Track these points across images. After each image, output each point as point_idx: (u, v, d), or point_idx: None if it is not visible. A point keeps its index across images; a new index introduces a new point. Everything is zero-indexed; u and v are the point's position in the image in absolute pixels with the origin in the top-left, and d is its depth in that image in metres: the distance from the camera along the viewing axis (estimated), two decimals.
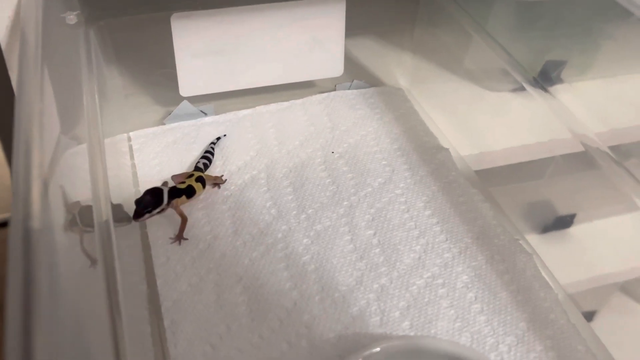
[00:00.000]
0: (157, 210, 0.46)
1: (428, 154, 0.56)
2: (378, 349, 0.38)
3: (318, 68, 0.61)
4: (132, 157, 0.56)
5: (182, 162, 0.55)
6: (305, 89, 0.63)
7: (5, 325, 0.22)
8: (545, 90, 0.54)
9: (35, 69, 0.34)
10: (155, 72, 0.57)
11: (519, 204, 0.61)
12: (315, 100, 0.62)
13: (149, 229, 0.49)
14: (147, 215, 0.46)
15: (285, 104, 0.62)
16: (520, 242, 0.50)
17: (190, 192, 0.49)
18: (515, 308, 0.44)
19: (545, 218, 0.61)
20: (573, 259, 0.59)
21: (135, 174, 0.54)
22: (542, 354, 0.42)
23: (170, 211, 0.49)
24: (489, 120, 0.60)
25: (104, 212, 0.38)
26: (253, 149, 0.57)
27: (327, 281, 0.45)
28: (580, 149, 0.50)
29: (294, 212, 0.50)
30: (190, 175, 0.50)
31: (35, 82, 0.33)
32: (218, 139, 0.57)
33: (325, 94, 0.63)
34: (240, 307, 0.44)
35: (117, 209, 0.42)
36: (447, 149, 0.57)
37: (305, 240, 0.48)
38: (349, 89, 0.64)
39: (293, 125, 0.59)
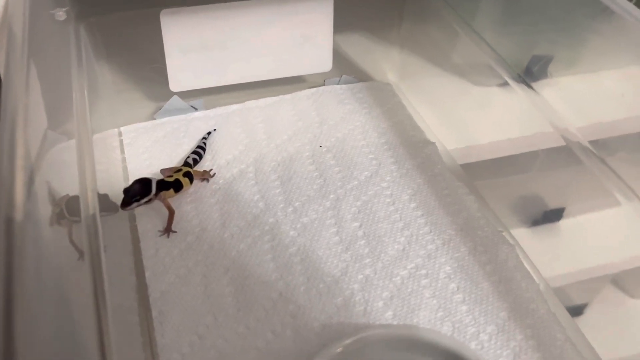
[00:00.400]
0: (145, 199, 0.47)
1: (414, 148, 0.57)
2: (357, 337, 0.39)
3: (307, 63, 0.62)
4: (122, 151, 0.56)
5: (172, 156, 0.56)
6: (294, 84, 0.64)
7: None
8: (529, 86, 0.55)
9: (21, 64, 0.35)
10: (145, 67, 0.57)
11: (506, 197, 0.62)
12: (303, 95, 0.63)
13: (138, 222, 0.50)
14: (134, 204, 0.46)
15: (274, 99, 0.63)
16: (504, 233, 0.51)
17: (178, 186, 0.50)
18: (497, 298, 0.45)
19: (535, 212, 0.62)
20: (563, 253, 0.60)
21: (125, 168, 0.55)
22: (522, 342, 0.43)
23: (159, 204, 0.50)
24: (475, 114, 0.61)
25: (91, 204, 0.39)
26: (242, 144, 0.57)
27: (313, 272, 0.46)
28: (562, 143, 0.51)
29: (281, 205, 0.51)
30: (179, 170, 0.51)
31: (21, 77, 0.33)
32: (209, 133, 0.57)
33: (314, 89, 0.63)
34: (227, 298, 0.45)
35: (103, 198, 0.43)
36: (433, 143, 0.58)
37: (291, 233, 0.49)
38: (337, 84, 0.64)
39: (282, 120, 0.60)
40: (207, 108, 0.61)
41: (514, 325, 0.44)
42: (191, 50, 0.57)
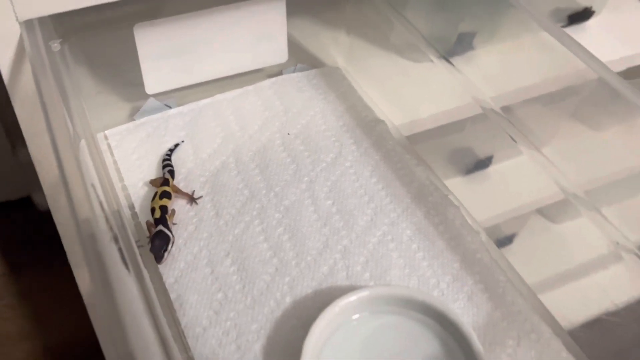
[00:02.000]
0: (171, 245, 0.53)
1: (368, 128, 0.66)
2: (354, 298, 0.49)
3: (265, 57, 0.69)
4: (112, 154, 0.63)
5: (158, 154, 0.63)
6: (254, 74, 0.71)
7: None
8: (451, 63, 0.65)
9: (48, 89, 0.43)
10: (123, 76, 0.64)
11: (444, 153, 0.73)
12: (265, 85, 0.70)
13: (141, 219, 0.57)
14: (166, 254, 0.53)
15: (239, 90, 0.70)
16: (450, 197, 0.61)
17: (165, 210, 0.55)
18: (450, 252, 0.56)
19: (468, 162, 0.74)
20: (494, 193, 0.72)
21: (118, 170, 0.62)
22: (473, 286, 0.54)
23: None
24: (414, 91, 0.70)
25: (114, 199, 0.47)
26: (218, 137, 0.65)
27: (300, 248, 0.56)
28: (480, 111, 0.62)
29: (264, 191, 0.60)
30: (154, 195, 0.57)
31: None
32: (176, 145, 0.63)
33: (274, 79, 0.71)
34: (232, 277, 0.54)
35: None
36: (383, 121, 0.67)
37: (277, 215, 0.58)
38: (293, 72, 0.72)
39: (250, 112, 0.67)
40: (180, 104, 0.68)
41: (465, 273, 0.55)
42: (162, 57, 0.63)
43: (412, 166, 0.63)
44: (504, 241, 0.67)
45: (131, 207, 0.58)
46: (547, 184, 0.58)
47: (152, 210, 0.56)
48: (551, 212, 0.67)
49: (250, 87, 0.70)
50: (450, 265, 0.55)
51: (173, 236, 0.54)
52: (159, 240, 0.53)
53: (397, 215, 0.59)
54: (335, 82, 0.71)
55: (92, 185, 0.46)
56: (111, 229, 0.46)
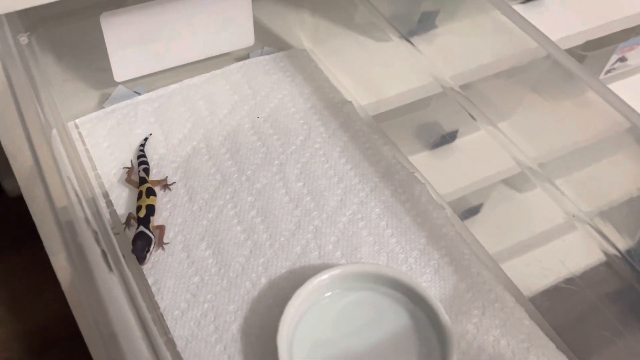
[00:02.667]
0: (153, 246, 0.54)
1: (336, 109, 0.68)
2: (326, 276, 0.51)
3: (232, 41, 0.70)
4: (83, 142, 0.63)
5: (129, 141, 0.63)
6: (222, 59, 0.72)
7: None
8: (411, 43, 0.66)
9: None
10: (91, 64, 0.64)
11: (410, 130, 0.75)
12: (233, 69, 0.71)
13: (116, 206, 0.58)
14: (148, 255, 0.53)
15: (207, 75, 0.71)
16: (415, 174, 0.63)
17: (152, 210, 0.56)
18: (417, 228, 0.59)
19: (434, 137, 0.76)
20: (460, 166, 0.75)
21: (90, 158, 0.62)
22: (439, 260, 0.57)
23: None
24: (379, 71, 0.72)
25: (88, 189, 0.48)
26: (188, 122, 0.66)
27: (273, 229, 0.57)
28: (440, 90, 0.64)
29: (236, 175, 0.61)
30: (140, 194, 0.57)
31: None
32: (146, 139, 0.63)
33: (241, 62, 0.72)
34: (207, 260, 0.55)
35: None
36: (350, 102, 0.69)
37: (249, 198, 0.60)
38: (260, 55, 0.73)
39: (219, 96, 0.68)
40: (149, 91, 0.69)
41: (432, 248, 0.57)
42: (130, 44, 0.64)
43: (380, 146, 0.65)
44: (472, 211, 0.70)
45: (105, 195, 0.59)
46: (505, 158, 0.60)
47: (139, 208, 0.56)
48: (514, 182, 0.70)
49: (218, 72, 0.71)
50: (417, 241, 0.58)
51: (155, 237, 0.55)
52: (140, 242, 0.53)
53: (366, 195, 0.61)
54: (302, 64, 0.73)
55: (67, 174, 0.47)
56: (87, 217, 0.48)
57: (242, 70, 0.71)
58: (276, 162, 0.63)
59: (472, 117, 0.61)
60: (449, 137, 0.76)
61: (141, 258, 0.53)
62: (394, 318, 0.51)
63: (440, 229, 0.59)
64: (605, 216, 0.53)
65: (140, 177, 0.59)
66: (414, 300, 0.51)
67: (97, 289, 0.39)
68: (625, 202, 0.52)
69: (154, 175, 0.61)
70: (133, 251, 0.53)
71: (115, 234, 0.56)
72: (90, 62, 0.66)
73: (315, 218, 0.58)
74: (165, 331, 0.52)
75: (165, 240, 0.56)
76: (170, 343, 0.51)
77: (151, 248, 0.54)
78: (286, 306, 0.49)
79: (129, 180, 0.60)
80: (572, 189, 0.54)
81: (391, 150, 0.65)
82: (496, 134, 0.60)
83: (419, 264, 0.56)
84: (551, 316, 0.55)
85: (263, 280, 0.54)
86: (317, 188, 0.61)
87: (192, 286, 0.54)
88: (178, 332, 0.51)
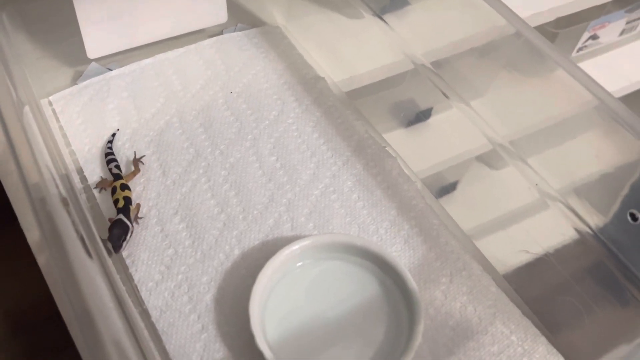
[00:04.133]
0: (129, 235, 0.53)
1: (309, 85, 0.69)
2: (297, 247, 0.52)
3: (205, 17, 0.70)
4: (57, 119, 0.64)
5: (102, 117, 0.64)
6: (196, 35, 0.72)
7: None
8: (383, 20, 0.67)
9: None
10: (63, 41, 0.64)
11: (384, 107, 0.76)
12: (206, 44, 0.72)
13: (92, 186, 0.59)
14: (124, 244, 0.53)
15: (181, 50, 0.71)
16: (387, 148, 0.64)
17: (129, 201, 0.56)
18: (388, 200, 0.60)
19: (408, 115, 0.77)
20: (435, 143, 0.76)
21: (65, 135, 0.62)
22: (409, 230, 0.58)
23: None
24: (352, 48, 0.73)
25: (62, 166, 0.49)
26: (161, 96, 0.66)
27: (246, 203, 0.58)
28: (412, 67, 0.65)
29: (209, 150, 0.62)
30: (114, 189, 0.56)
31: None
32: (113, 135, 0.62)
33: (215, 38, 0.72)
34: (181, 234, 0.56)
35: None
36: (323, 78, 0.70)
37: (223, 172, 0.60)
38: (234, 32, 0.73)
39: (192, 71, 0.69)
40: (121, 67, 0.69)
41: (402, 219, 0.58)
42: (103, 21, 0.64)
43: (352, 121, 0.66)
44: (448, 188, 0.71)
45: (79, 170, 0.60)
46: (478, 136, 0.61)
47: (116, 201, 0.56)
48: (489, 160, 0.71)
49: (191, 47, 0.71)
50: (388, 212, 0.59)
51: (132, 225, 0.55)
52: (117, 229, 0.53)
53: (338, 168, 0.62)
54: (275, 41, 0.73)
55: (39, 150, 0.48)
56: (60, 192, 0.48)
57: (215, 45, 0.72)
58: (249, 136, 0.63)
59: (445, 95, 0.62)
60: (424, 115, 0.77)
61: (117, 247, 0.52)
62: (363, 286, 0.52)
63: (410, 200, 0.60)
64: (577, 193, 0.54)
65: (114, 173, 0.58)
66: (384, 269, 0.53)
67: (70, 263, 0.40)
68: (597, 179, 0.53)
69: (126, 150, 0.61)
70: (109, 238, 0.52)
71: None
72: (63, 39, 0.66)
73: (288, 191, 0.59)
74: (139, 302, 0.52)
75: (139, 215, 0.57)
76: (145, 314, 0.52)
77: (128, 237, 0.53)
78: (258, 276, 0.50)
79: (100, 184, 0.59)
80: (543, 166, 0.56)
81: (363, 125, 0.66)
82: (468, 111, 0.61)
83: (389, 234, 0.57)
84: (524, 292, 0.56)
85: (236, 252, 0.55)
86: (290, 162, 0.61)
87: (166, 258, 0.55)
88: (152, 303, 0.52)
